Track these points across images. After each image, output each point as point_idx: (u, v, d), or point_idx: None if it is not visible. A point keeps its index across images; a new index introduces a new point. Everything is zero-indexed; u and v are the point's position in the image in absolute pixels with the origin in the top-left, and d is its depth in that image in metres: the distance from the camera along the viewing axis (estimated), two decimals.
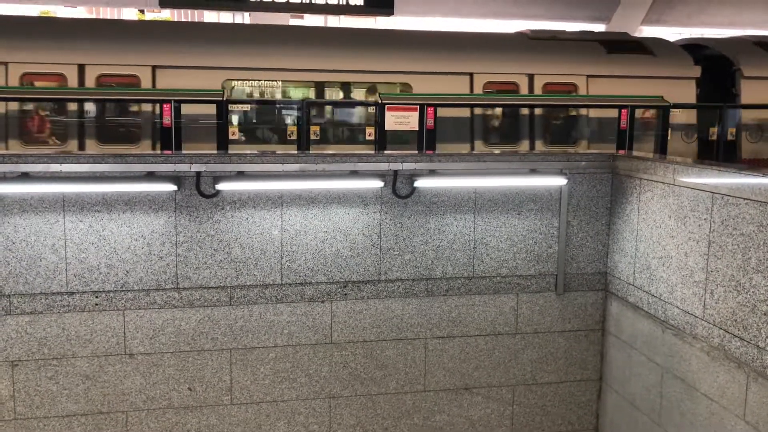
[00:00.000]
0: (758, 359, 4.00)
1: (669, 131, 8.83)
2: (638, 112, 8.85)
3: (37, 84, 8.10)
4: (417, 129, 7.55)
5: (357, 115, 9.16)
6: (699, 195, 4.54)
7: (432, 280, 5.48)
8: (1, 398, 4.98)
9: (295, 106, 8.41)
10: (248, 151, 6.54)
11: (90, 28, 8.99)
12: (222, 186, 5.03)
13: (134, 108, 8.18)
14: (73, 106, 7.85)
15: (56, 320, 4.98)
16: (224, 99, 7.46)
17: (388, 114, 7.63)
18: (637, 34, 15.16)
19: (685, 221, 4.67)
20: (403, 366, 5.54)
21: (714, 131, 9.14)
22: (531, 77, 9.10)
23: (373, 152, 6.90)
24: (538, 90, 9.15)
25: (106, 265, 5.00)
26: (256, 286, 5.23)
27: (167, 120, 7.15)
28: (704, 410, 4.49)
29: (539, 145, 9.05)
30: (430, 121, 7.66)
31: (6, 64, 7.71)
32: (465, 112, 8.71)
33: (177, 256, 5.09)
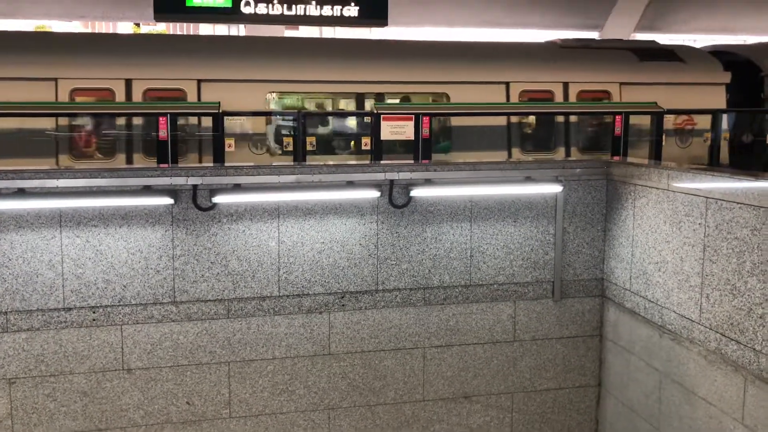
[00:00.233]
0: (755, 362, 4.01)
1: (663, 137, 8.91)
2: (675, 119, 9.03)
3: (85, 99, 8.30)
4: (413, 138, 7.59)
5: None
6: (693, 200, 4.56)
7: (429, 289, 5.49)
8: None
9: (291, 118, 8.46)
10: (244, 164, 6.56)
11: (137, 43, 9.21)
12: (218, 199, 5.04)
13: (181, 122, 8.29)
14: (121, 122, 8.04)
15: (53, 336, 4.98)
16: (220, 111, 7.48)
17: (383, 124, 7.65)
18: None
19: (680, 226, 4.69)
20: (401, 376, 5.54)
21: (723, 136, 9.20)
22: (565, 85, 9.29)
23: (369, 162, 6.92)
24: (572, 98, 9.33)
25: (103, 280, 5.00)
26: (253, 298, 5.23)
27: (163, 133, 7.17)
28: (702, 414, 4.49)
29: (574, 152, 9.22)
30: (425, 131, 7.69)
31: (56, 80, 7.87)
32: (501, 121, 8.90)
33: (174, 269, 5.09)
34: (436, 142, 9.14)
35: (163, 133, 7.17)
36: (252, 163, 6.48)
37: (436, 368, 5.58)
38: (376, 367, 5.49)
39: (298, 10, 9.32)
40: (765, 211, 3.91)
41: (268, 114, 8.42)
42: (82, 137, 8.22)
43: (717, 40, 15.15)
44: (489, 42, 10.54)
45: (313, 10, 9.32)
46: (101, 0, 13.64)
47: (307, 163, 6.88)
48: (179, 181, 4.99)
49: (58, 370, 5.01)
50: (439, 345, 5.57)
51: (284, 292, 5.27)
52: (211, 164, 7.15)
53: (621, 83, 9.38)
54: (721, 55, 10.24)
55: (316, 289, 5.31)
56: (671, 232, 4.80)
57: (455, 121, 8.89)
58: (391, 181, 5.33)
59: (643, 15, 15.26)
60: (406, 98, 9.14)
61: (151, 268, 5.06)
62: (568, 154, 8.98)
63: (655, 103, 8.99)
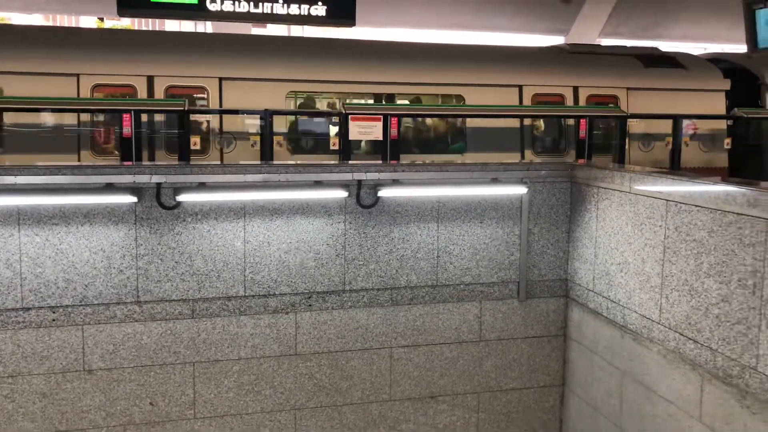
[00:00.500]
0: (711, 361, 4.12)
1: (627, 140, 9.13)
2: (686, 124, 9.28)
3: (106, 95, 8.28)
4: (381, 139, 7.60)
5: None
6: (654, 203, 4.67)
7: (396, 290, 5.51)
8: None
9: (259, 116, 8.41)
10: (209, 162, 6.51)
11: (159, 40, 9.16)
12: (183, 197, 4.97)
13: (202, 120, 8.37)
14: (144, 118, 7.97)
15: (11, 337, 4.85)
16: (185, 109, 7.39)
17: (352, 124, 7.65)
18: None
19: (642, 228, 4.80)
20: (368, 376, 5.54)
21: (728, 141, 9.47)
22: (576, 89, 9.53)
23: (336, 162, 6.91)
24: (582, 101, 9.57)
25: (63, 280, 4.89)
26: (218, 298, 5.17)
27: (127, 130, 7.05)
28: (662, 412, 4.60)
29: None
30: (394, 131, 7.71)
31: (77, 75, 7.84)
32: (515, 123, 9.09)
33: (137, 269, 5.01)
34: (450, 143, 9.42)
35: (127, 130, 7.06)
36: (217, 162, 6.42)
37: (403, 368, 5.60)
38: (343, 367, 5.48)
39: (265, 8, 9.26)
40: (721, 213, 4.02)
41: (234, 113, 8.34)
42: (101, 133, 8.20)
43: (679, 47, 15.48)
44: (502, 46, 10.94)
45: (280, 8, 9.27)
46: None
47: (274, 162, 6.83)
48: (143, 178, 4.91)
49: (17, 371, 4.88)
50: (406, 345, 5.59)
51: (250, 292, 5.22)
52: (176, 162, 7.06)
53: (628, 88, 9.71)
54: (719, 63, 10.61)
55: (282, 289, 5.28)
56: (633, 233, 4.90)
57: (469, 123, 9.12)
58: (359, 182, 5.33)
59: (608, 21, 15.53)
60: (416, 99, 9.33)
61: (114, 268, 4.97)
62: (578, 156, 9.16)
63: (618, 107, 9.19)
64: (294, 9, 9.31)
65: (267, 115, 7.70)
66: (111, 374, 5.05)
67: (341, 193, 5.24)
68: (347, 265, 5.39)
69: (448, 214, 5.55)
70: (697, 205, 4.24)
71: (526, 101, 9.31)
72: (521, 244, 5.70)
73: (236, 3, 9.26)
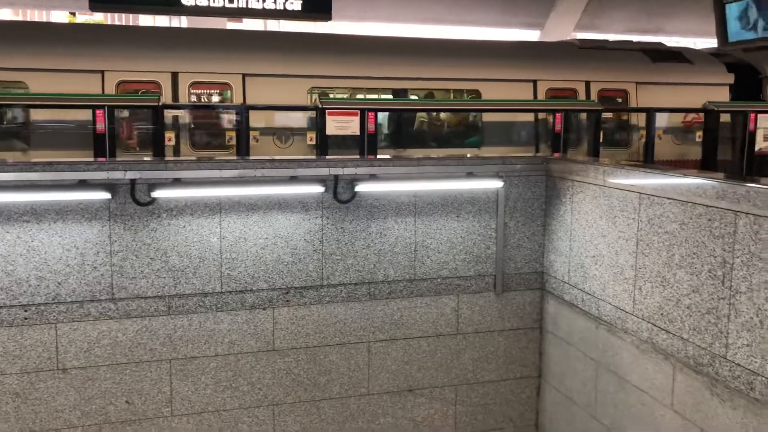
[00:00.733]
0: (683, 351, 4.20)
1: (601, 134, 9.24)
2: (684, 117, 9.44)
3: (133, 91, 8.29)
4: (358, 134, 7.59)
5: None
6: (627, 195, 4.73)
7: (374, 284, 5.52)
8: None
9: (234, 111, 8.39)
10: (185, 158, 6.45)
11: (184, 36, 9.19)
12: (158, 193, 4.93)
13: (225, 116, 8.42)
14: (168, 116, 8.02)
15: None
16: (159, 104, 7.31)
17: (328, 119, 7.63)
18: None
19: (615, 221, 4.87)
20: (346, 370, 5.55)
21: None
22: (588, 84, 9.72)
23: (313, 158, 6.89)
24: (593, 96, 9.73)
25: (36, 278, 4.82)
26: (195, 294, 5.14)
27: (101, 126, 6.96)
28: (635, 401, 4.68)
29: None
30: (371, 126, 7.71)
31: (102, 72, 7.89)
32: (530, 117, 9.27)
33: (112, 266, 4.95)
34: (467, 137, 9.58)
35: (101, 126, 6.97)
36: (193, 158, 6.36)
37: (380, 362, 5.62)
38: (321, 362, 5.48)
39: (240, 2, 9.22)
40: (692, 206, 4.10)
41: (210, 107, 8.28)
42: (123, 129, 8.18)
43: (653, 40, 15.68)
44: (517, 41, 11.12)
45: (255, 2, 9.24)
46: None
47: (251, 157, 6.79)
48: (116, 175, 4.86)
49: None
50: (383, 339, 5.61)
51: (227, 288, 5.20)
52: (150, 158, 6.98)
53: (637, 83, 9.93)
54: (721, 57, 10.82)
55: (259, 285, 5.26)
56: (607, 226, 4.97)
57: (486, 117, 9.29)
58: (336, 177, 5.33)
59: (583, 15, 15.68)
60: (430, 94, 9.47)
61: (88, 265, 4.91)
62: (591, 150, 9.29)
63: (595, 101, 9.29)
64: (269, 3, 9.28)
65: (243, 111, 7.65)
66: (86, 373, 5.00)
67: (318, 189, 5.23)
68: (325, 260, 5.39)
69: (425, 208, 5.58)
70: (668, 198, 4.31)
71: (540, 95, 9.50)
72: (497, 238, 5.74)
73: None
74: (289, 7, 9.33)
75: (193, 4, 9.04)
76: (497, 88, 9.26)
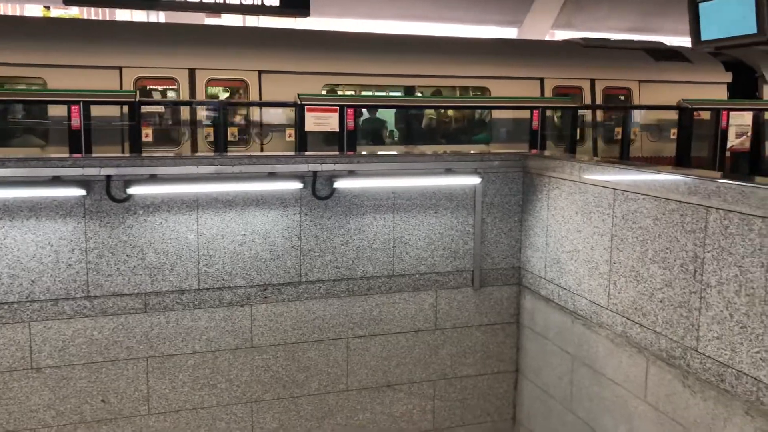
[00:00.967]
0: (656, 344, 4.27)
1: (578, 131, 9.38)
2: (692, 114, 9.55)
3: (151, 87, 8.32)
4: (337, 130, 7.59)
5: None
6: (602, 191, 4.79)
7: (353, 280, 5.53)
8: None
9: (213, 107, 8.36)
10: (161, 154, 6.40)
11: (201, 33, 9.18)
12: (134, 190, 4.88)
13: (243, 113, 8.49)
14: (186, 113, 8.04)
15: None
16: (136, 100, 7.24)
17: (308, 115, 7.62)
18: (548, 37, 15.77)
19: (591, 216, 4.92)
20: (325, 366, 5.56)
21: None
22: (593, 82, 9.88)
23: (292, 153, 6.88)
24: (598, 94, 9.87)
25: (8, 275, 4.75)
26: (172, 291, 5.10)
27: (76, 122, 6.88)
28: (610, 394, 4.75)
29: (601, 145, 9.77)
30: (350, 122, 7.72)
31: (120, 68, 7.88)
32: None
33: (87, 263, 4.90)
34: (474, 134, 9.69)
35: (76, 122, 6.89)
36: (170, 154, 6.32)
37: (359, 358, 5.63)
38: (300, 358, 5.48)
39: None
40: (665, 201, 4.16)
41: (187, 104, 8.22)
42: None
43: (630, 38, 15.85)
44: (524, 40, 11.25)
45: None
46: None
47: (228, 153, 6.76)
48: (91, 171, 4.80)
49: None
50: (362, 335, 5.62)
51: (204, 285, 5.17)
52: (126, 154, 6.92)
53: (640, 81, 10.10)
54: (718, 56, 10.99)
55: (237, 282, 5.24)
56: (582, 222, 5.02)
57: (495, 114, 9.42)
58: (315, 173, 5.32)
59: (560, 13, 15.80)
60: (438, 91, 9.58)
61: (63, 262, 4.85)
62: (594, 147, 9.45)
63: (570, 98, 9.37)
64: None
65: (221, 107, 7.62)
66: (60, 372, 4.94)
67: (296, 185, 5.22)
68: (303, 256, 5.38)
69: (403, 204, 5.59)
70: (642, 194, 4.37)
71: (547, 93, 9.65)
72: (475, 234, 5.78)
73: None
74: (267, 2, 9.30)
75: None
76: (506, 85, 9.41)
